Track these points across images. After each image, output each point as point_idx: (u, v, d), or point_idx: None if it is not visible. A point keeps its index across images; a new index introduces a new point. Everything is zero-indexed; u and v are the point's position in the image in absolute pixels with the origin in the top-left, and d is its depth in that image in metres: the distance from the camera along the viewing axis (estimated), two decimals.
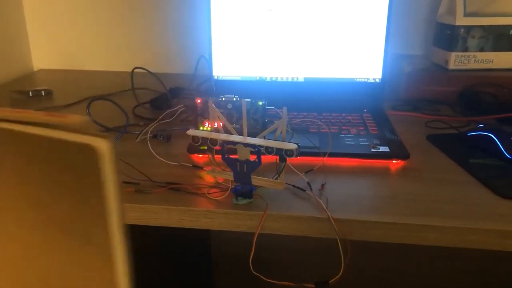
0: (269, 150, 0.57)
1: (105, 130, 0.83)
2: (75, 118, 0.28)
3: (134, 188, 0.62)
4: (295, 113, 0.88)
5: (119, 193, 0.29)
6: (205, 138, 0.60)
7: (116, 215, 0.29)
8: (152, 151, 0.72)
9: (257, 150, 0.57)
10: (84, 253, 0.30)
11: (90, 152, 0.27)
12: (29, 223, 0.32)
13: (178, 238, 1.14)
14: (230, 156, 0.60)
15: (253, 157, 0.58)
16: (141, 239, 0.91)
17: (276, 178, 0.59)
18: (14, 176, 0.30)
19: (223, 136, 0.60)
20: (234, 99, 0.74)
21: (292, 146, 0.56)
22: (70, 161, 0.28)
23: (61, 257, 0.32)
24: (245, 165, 0.59)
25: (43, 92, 1.06)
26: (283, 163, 0.57)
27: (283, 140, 0.58)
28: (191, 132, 0.61)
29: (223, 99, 0.74)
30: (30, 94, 1.04)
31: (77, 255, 0.31)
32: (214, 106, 0.62)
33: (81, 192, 0.28)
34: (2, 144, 0.30)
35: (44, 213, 0.31)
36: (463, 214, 0.57)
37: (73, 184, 0.29)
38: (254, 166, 0.59)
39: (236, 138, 0.59)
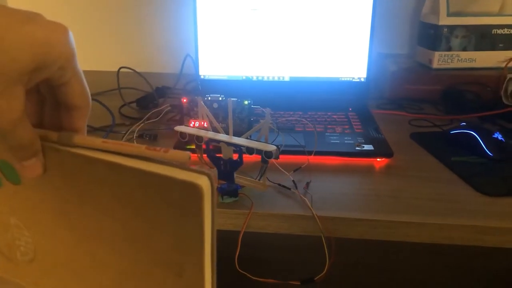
0: (250, 150, 0.57)
1: (91, 130, 0.83)
2: (177, 153, 0.29)
3: None
4: (281, 112, 0.89)
5: (215, 228, 0.29)
6: (192, 134, 0.61)
7: (210, 249, 0.29)
8: None
9: (239, 149, 0.58)
10: (175, 285, 0.31)
11: (192, 190, 0.27)
12: (123, 252, 0.32)
13: None
14: (216, 154, 0.60)
15: (235, 156, 0.59)
16: None
17: (259, 179, 0.60)
18: (112, 206, 0.31)
19: (210, 134, 0.60)
20: (220, 98, 0.74)
21: (271, 147, 0.56)
22: (171, 196, 0.28)
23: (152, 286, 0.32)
24: (228, 164, 0.60)
25: None
26: (265, 165, 0.58)
27: (266, 141, 0.58)
28: (179, 128, 0.61)
29: (209, 98, 0.74)
30: None
31: (169, 286, 0.31)
32: (203, 104, 0.62)
33: (180, 227, 0.29)
34: (102, 175, 0.30)
35: (139, 244, 0.31)
36: (444, 211, 0.58)
37: (173, 219, 0.29)
38: (236, 165, 0.59)
39: (222, 137, 0.59)
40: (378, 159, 0.72)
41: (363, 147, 0.74)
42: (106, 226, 0.32)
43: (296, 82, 0.98)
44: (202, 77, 0.99)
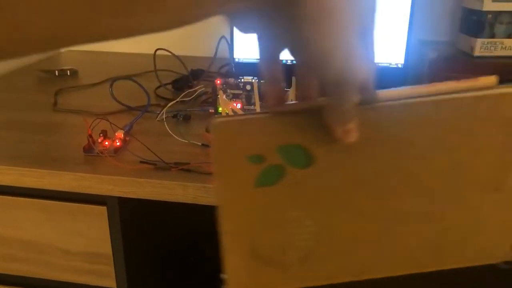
0: None
1: (127, 109, 0.84)
2: (486, 79, 0.31)
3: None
4: None
5: None
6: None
7: None
8: (168, 130, 0.73)
9: None
10: (494, 200, 0.34)
11: None
12: (452, 179, 0.34)
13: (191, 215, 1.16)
14: None
15: None
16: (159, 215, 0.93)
17: None
18: (455, 143, 0.33)
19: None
20: (253, 80, 0.74)
21: None
22: (504, 111, 0.31)
23: (471, 203, 0.34)
24: None
25: (68, 71, 1.08)
26: None
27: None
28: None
29: (243, 80, 0.75)
30: (56, 74, 1.07)
31: (490, 202, 0.34)
32: (222, 93, 0.62)
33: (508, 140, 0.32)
34: (428, 117, 0.32)
35: (471, 163, 0.33)
36: None
37: (504, 135, 0.32)
38: None
39: None
40: None
41: None
42: (431, 172, 0.33)
43: None
44: (236, 60, 0.99)
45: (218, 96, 0.62)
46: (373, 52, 0.28)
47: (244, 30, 0.29)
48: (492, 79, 0.31)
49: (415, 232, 0.35)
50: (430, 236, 0.35)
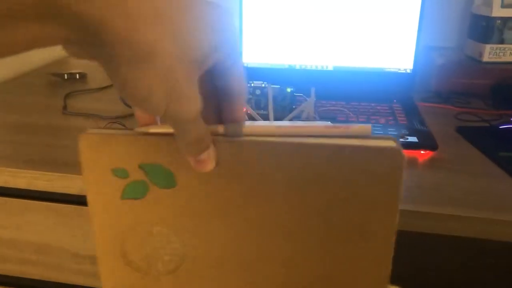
0: None
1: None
2: (359, 127, 0.29)
3: None
4: (323, 102, 0.88)
5: (401, 192, 0.30)
6: None
7: (396, 212, 0.30)
8: None
9: None
10: (361, 248, 0.32)
11: (395, 155, 0.28)
12: (312, 224, 0.33)
13: None
14: None
15: None
16: None
17: None
18: (289, 191, 0.32)
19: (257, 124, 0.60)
20: (263, 85, 0.75)
21: (326, 123, 0.56)
22: (373, 165, 0.29)
23: (338, 252, 0.33)
24: None
25: (77, 75, 1.09)
26: None
27: (312, 119, 0.58)
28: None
29: (252, 85, 0.75)
30: (66, 77, 1.07)
31: (353, 251, 0.32)
32: None
33: (380, 192, 0.29)
34: (283, 159, 0.31)
35: (329, 221, 0.32)
36: (488, 206, 0.57)
37: (372, 186, 0.29)
38: None
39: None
40: (422, 152, 0.71)
41: (407, 138, 0.72)
42: (280, 213, 0.32)
43: (339, 72, 0.97)
44: (245, 64, 1.00)
45: None
46: (196, 91, 0.27)
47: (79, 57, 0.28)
48: (365, 128, 0.29)
49: (272, 273, 0.34)
50: (287, 280, 0.34)
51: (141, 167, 0.33)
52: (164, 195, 0.33)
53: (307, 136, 0.30)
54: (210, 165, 0.31)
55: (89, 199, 0.35)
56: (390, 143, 0.28)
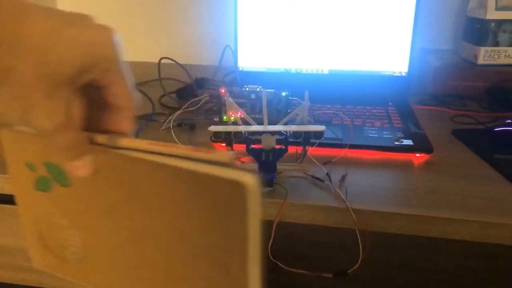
0: (296, 135, 0.57)
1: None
2: (220, 153, 0.29)
3: None
4: (319, 105, 0.88)
5: (260, 227, 0.29)
6: (228, 132, 0.61)
7: (256, 248, 0.30)
8: (175, 138, 0.73)
9: (284, 136, 0.58)
10: (221, 283, 0.32)
11: (238, 188, 0.27)
12: (170, 251, 0.33)
13: None
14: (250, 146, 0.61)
15: (277, 145, 0.59)
16: None
17: (300, 163, 0.60)
18: (157, 206, 0.32)
19: (241, 128, 0.60)
20: (258, 89, 0.74)
21: (320, 127, 0.56)
22: (215, 195, 0.29)
23: (198, 284, 0.33)
24: (270, 154, 0.60)
25: None
26: (307, 146, 0.58)
27: (307, 123, 0.58)
28: (213, 128, 0.62)
29: (247, 89, 0.75)
30: None
31: (215, 284, 0.32)
32: (230, 99, 0.62)
33: (227, 225, 0.29)
34: (147, 175, 0.32)
35: (185, 243, 0.32)
36: (485, 209, 0.56)
37: (217, 218, 0.29)
38: (281, 153, 0.59)
39: (257, 128, 0.60)
40: (417, 155, 0.71)
41: (402, 142, 0.72)
42: (152, 225, 0.33)
43: (335, 75, 0.97)
44: (240, 69, 1.00)
45: (226, 100, 0.62)
46: (59, 105, 0.29)
47: None
48: (228, 155, 0.28)
49: (155, 278, 0.35)
50: (169, 286, 0.35)
51: (45, 164, 0.36)
52: (64, 192, 0.36)
53: (174, 156, 0.30)
54: (83, 172, 0.33)
55: (12, 188, 0.39)
56: (241, 176, 0.27)
